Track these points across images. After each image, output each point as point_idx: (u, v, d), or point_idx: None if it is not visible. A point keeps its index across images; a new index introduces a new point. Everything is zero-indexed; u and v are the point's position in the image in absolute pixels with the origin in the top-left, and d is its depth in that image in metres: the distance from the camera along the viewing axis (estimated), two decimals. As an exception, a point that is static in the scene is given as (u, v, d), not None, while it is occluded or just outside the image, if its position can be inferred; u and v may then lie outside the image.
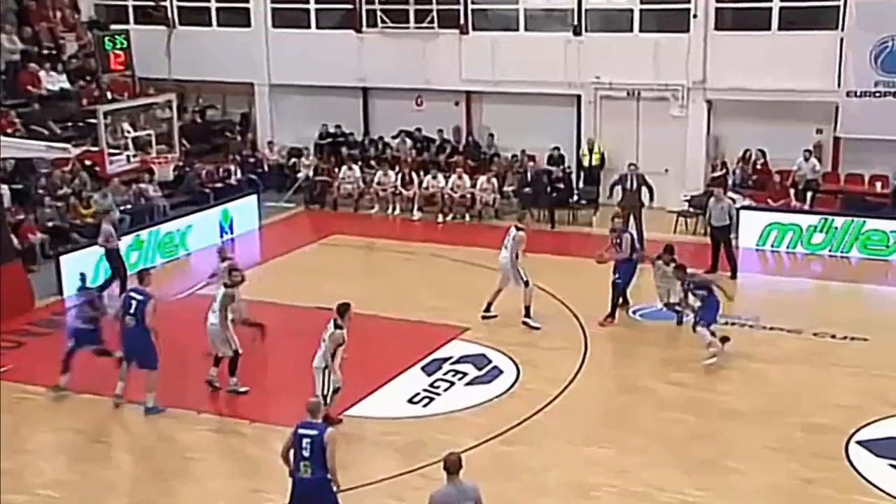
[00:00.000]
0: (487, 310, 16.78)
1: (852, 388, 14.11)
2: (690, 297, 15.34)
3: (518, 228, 16.69)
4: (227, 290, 14.36)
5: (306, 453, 9.82)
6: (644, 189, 20.71)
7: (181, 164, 24.67)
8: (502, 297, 17.06)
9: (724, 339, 15.00)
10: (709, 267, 18.57)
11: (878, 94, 21.45)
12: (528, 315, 16.48)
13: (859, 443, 12.54)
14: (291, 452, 9.92)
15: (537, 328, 16.35)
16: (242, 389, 14.35)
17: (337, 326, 12.88)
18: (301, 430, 9.93)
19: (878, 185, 22.14)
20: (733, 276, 18.48)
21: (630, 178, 20.68)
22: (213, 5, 27.69)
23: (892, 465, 12.06)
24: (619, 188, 20.87)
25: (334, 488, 9.91)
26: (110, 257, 18.68)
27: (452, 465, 9.11)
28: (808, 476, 11.84)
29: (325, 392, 12.77)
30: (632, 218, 20.06)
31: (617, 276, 16.48)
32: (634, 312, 16.83)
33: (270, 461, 12.51)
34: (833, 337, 15.87)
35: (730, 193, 22.02)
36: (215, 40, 27.41)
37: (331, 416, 12.59)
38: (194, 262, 20.84)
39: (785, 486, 11.67)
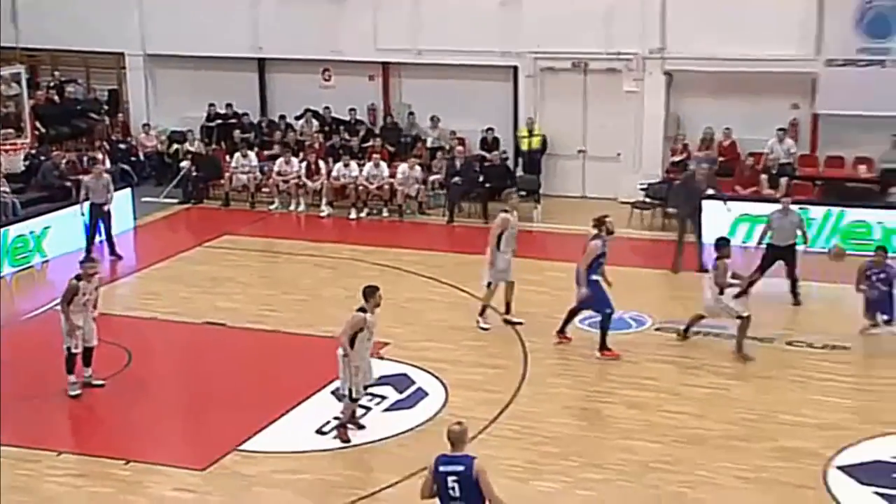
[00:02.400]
0: (507, 311, 17.17)
1: (832, 405, 14.41)
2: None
3: (504, 211, 17.05)
4: (71, 281, 14.70)
5: (455, 493, 9.44)
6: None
7: (34, 152, 24.34)
8: (429, 304, 17.19)
9: None
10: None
11: (862, 63, 22.03)
12: (482, 313, 17.07)
13: (841, 468, 12.81)
14: (438, 497, 9.58)
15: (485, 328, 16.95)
16: (74, 393, 14.77)
17: (360, 309, 13.21)
18: (443, 468, 9.53)
19: (863, 168, 22.74)
20: (797, 303, 18.23)
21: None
22: (71, -39, 27.39)
23: (878, 494, 12.30)
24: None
25: None
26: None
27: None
28: (785, 508, 12.14)
29: (350, 385, 13.23)
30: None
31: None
32: (583, 321, 16.96)
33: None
34: (810, 346, 16.16)
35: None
36: (74, 2, 27.01)
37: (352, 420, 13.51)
38: (53, 272, 20.55)
39: (759, 519, 11.98)
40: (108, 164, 24.88)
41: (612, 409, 14.52)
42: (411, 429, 14.00)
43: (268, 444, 13.65)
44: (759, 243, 18.68)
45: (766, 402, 14.62)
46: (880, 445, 13.35)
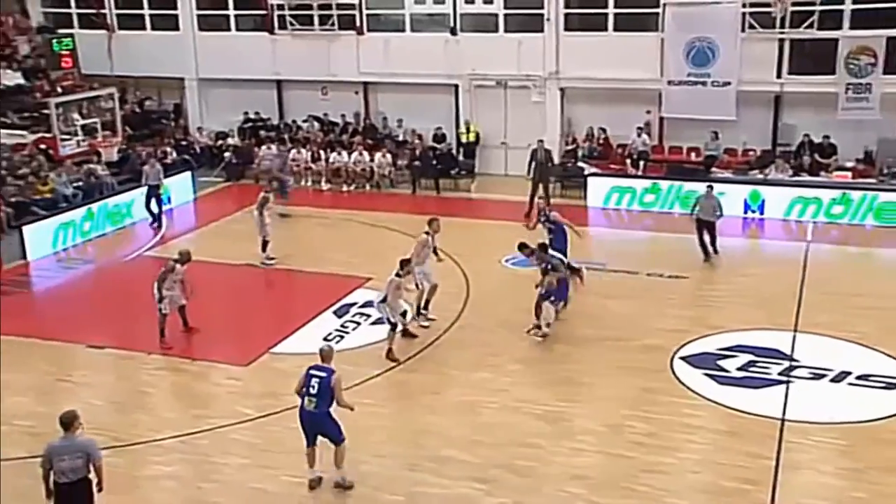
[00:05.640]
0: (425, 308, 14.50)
1: (675, 315, 14.51)
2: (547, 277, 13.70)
3: (426, 233, 14.36)
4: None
5: (313, 391, 9.69)
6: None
7: (124, 146, 23.91)
8: (398, 249, 17.20)
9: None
10: (703, 256, 16.83)
11: (690, 83, 21.92)
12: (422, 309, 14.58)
13: (682, 358, 12.99)
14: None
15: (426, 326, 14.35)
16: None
17: (397, 275, 13.07)
18: (312, 372, 9.78)
19: (693, 154, 22.71)
20: (715, 252, 16.89)
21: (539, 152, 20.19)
22: (147, 13, 26.76)
23: (705, 374, 12.53)
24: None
25: (336, 418, 9.84)
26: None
27: (68, 420, 8.52)
28: (644, 386, 12.22)
29: (394, 320, 13.03)
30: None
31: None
32: (507, 261, 16.88)
33: (211, 392, 12.46)
34: (661, 276, 16.19)
35: (580, 163, 22.51)
36: (150, 42, 26.55)
37: (391, 354, 12.99)
38: (139, 229, 20.23)
39: (627, 394, 12.04)
40: (175, 155, 24.56)
41: (527, 320, 14.17)
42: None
43: (291, 348, 13.63)
44: (692, 214, 17.16)
45: (633, 315, 14.61)
46: (707, 342, 13.50)
